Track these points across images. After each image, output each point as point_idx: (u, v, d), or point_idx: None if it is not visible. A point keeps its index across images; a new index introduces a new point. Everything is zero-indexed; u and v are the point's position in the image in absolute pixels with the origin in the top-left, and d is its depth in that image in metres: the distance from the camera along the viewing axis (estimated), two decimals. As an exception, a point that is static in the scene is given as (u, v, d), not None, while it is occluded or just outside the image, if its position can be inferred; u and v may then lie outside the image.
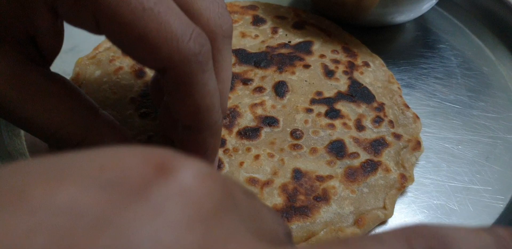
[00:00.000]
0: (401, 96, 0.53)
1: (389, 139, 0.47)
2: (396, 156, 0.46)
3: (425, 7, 0.60)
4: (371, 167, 0.45)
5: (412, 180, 0.45)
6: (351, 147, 0.46)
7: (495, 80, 0.59)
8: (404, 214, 0.45)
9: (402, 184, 0.44)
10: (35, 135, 0.33)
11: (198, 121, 0.30)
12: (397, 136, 0.48)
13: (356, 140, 0.47)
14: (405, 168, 0.46)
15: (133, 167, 0.15)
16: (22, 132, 0.50)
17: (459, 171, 0.49)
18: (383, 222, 0.44)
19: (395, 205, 0.44)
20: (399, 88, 0.53)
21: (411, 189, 0.47)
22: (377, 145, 0.47)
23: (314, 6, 0.63)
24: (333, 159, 0.45)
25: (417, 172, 0.48)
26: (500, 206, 0.47)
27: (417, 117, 0.50)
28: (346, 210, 0.42)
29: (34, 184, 0.15)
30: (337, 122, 0.48)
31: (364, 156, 0.45)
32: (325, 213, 0.41)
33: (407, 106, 0.51)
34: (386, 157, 0.46)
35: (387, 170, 0.45)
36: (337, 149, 0.45)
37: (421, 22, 0.66)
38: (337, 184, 0.43)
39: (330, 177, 0.43)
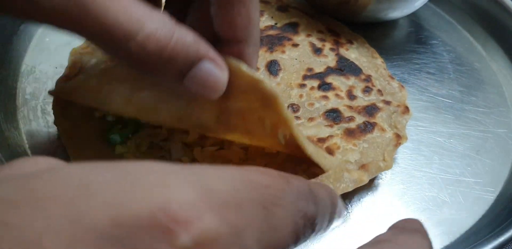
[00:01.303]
0: (385, 69, 0.56)
1: (380, 105, 0.50)
2: (388, 119, 0.49)
3: (418, 4, 0.61)
4: (367, 127, 0.47)
5: (406, 139, 0.48)
6: (346, 113, 0.49)
7: (486, 75, 0.60)
8: (397, 205, 0.46)
9: (397, 141, 0.47)
10: (112, 39, 0.30)
11: (248, 34, 0.34)
12: (387, 102, 0.51)
13: (350, 107, 0.49)
14: (398, 129, 0.48)
15: (142, 229, 0.16)
16: (21, 124, 0.51)
17: (451, 164, 0.50)
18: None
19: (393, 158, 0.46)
20: (382, 62, 0.57)
21: (404, 181, 0.48)
22: (370, 110, 0.49)
23: (309, 2, 0.63)
24: (331, 123, 0.48)
25: (409, 165, 0.49)
26: (490, 198, 0.48)
27: (402, 86, 0.53)
28: (351, 158, 0.44)
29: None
30: (330, 94, 0.50)
31: (359, 119, 0.48)
32: (332, 160, 0.43)
33: (392, 78, 0.54)
34: (380, 120, 0.49)
35: (382, 130, 0.47)
36: (333, 115, 0.48)
37: (414, 18, 0.67)
38: (339, 141, 0.46)
39: (331, 136, 0.46)
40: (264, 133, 0.38)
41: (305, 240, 0.23)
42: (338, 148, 0.45)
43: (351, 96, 0.50)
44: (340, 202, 0.26)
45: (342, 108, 0.49)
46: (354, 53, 0.56)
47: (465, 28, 0.66)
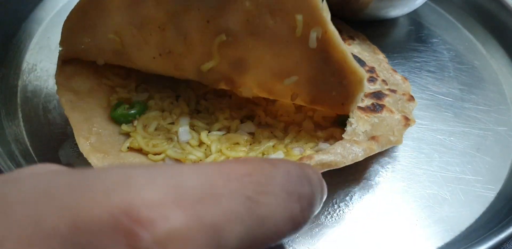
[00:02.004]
0: (387, 63, 0.56)
1: (386, 92, 0.50)
2: (395, 104, 0.49)
3: (418, 2, 0.61)
4: (376, 107, 0.47)
5: (414, 122, 0.47)
6: None
7: (486, 74, 0.60)
8: (398, 203, 0.46)
9: (407, 122, 0.47)
10: None
11: None
12: (392, 91, 0.51)
13: None
14: (406, 113, 0.48)
15: (103, 233, 0.15)
16: (23, 122, 0.51)
17: (451, 162, 0.50)
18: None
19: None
20: (384, 57, 0.57)
21: (404, 179, 0.48)
22: (377, 94, 0.49)
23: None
24: None
25: (410, 163, 0.50)
26: (490, 196, 0.48)
27: (405, 79, 0.53)
28: (362, 128, 0.44)
29: None
30: None
31: (368, 101, 0.48)
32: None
33: (395, 71, 0.54)
34: (387, 104, 0.49)
35: (391, 112, 0.47)
36: None
37: (414, 17, 0.67)
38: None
39: None
40: (293, 38, 0.38)
41: (306, 224, 0.21)
42: (355, 112, 0.44)
43: None
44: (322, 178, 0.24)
45: None
46: (356, 48, 0.56)
47: (465, 26, 0.66)
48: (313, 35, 0.37)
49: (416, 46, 0.63)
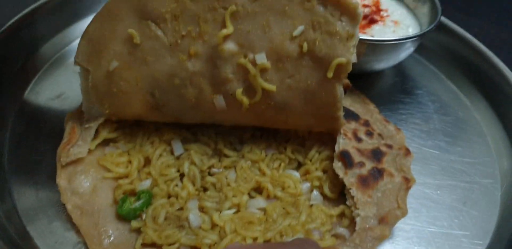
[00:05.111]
0: (379, 113, 0.58)
1: (383, 148, 0.52)
2: (393, 162, 0.50)
3: (403, 55, 0.63)
4: (377, 173, 0.49)
5: (414, 181, 0.49)
6: (356, 157, 0.50)
7: (471, 125, 0.61)
8: (386, 261, 0.46)
9: (407, 185, 0.49)
10: None
11: None
12: (389, 146, 0.52)
13: (358, 150, 0.51)
14: (405, 171, 0.50)
15: None
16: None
17: (439, 216, 0.50)
18: None
19: None
20: (374, 107, 0.59)
21: (392, 235, 0.48)
22: (376, 154, 0.51)
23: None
24: (345, 171, 0.49)
25: (398, 218, 0.50)
26: (478, 251, 0.48)
27: (398, 129, 0.55)
28: (370, 213, 0.46)
29: None
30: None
31: (369, 164, 0.50)
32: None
33: (388, 121, 0.56)
34: (387, 164, 0.50)
35: (391, 175, 0.49)
36: (346, 157, 0.49)
37: (399, 68, 0.68)
38: (354, 192, 0.47)
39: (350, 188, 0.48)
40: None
41: None
42: (357, 200, 0.46)
43: (357, 138, 0.52)
44: None
45: (351, 150, 0.50)
46: (347, 101, 0.58)
47: (449, 77, 0.68)
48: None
49: (401, 98, 0.64)
